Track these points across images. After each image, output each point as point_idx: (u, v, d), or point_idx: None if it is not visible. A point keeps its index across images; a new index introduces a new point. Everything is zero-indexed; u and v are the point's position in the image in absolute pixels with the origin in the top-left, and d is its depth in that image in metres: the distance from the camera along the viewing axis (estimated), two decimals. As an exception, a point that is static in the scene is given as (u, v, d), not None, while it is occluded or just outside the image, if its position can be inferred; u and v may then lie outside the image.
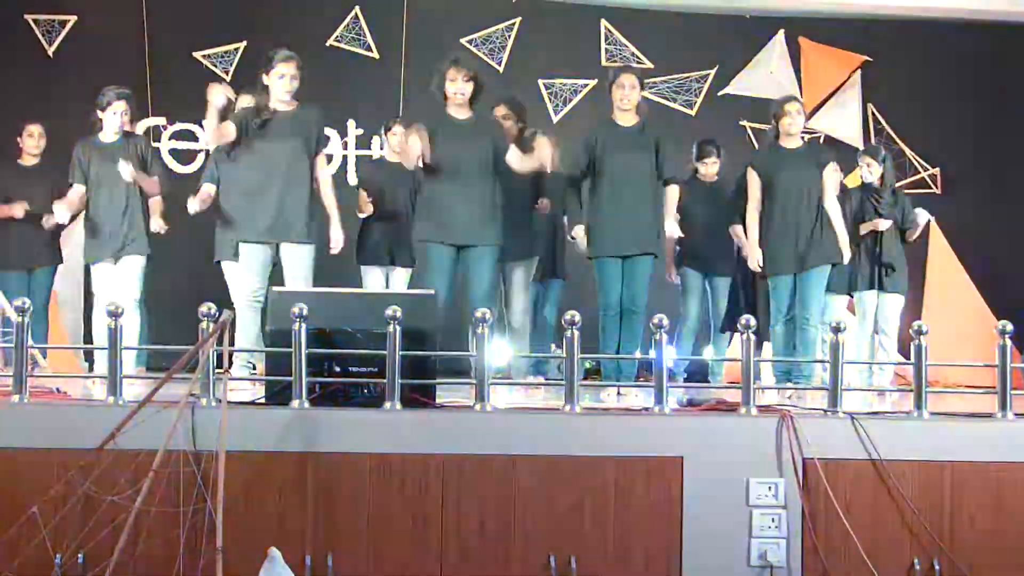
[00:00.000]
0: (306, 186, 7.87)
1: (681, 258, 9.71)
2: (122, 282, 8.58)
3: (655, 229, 8.34)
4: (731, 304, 9.53)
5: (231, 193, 8.14)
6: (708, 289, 9.76)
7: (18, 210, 9.12)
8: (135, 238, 8.62)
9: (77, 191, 8.68)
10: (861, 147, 11.80)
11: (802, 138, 8.71)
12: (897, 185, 10.03)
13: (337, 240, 8.06)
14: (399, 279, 9.33)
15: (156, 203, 8.75)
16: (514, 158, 7.89)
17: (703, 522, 5.76)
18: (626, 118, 8.38)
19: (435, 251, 7.76)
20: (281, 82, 7.82)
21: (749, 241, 8.45)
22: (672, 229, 8.64)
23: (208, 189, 8.75)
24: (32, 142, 9.44)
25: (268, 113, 7.83)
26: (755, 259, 8.39)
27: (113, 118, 8.61)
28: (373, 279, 9.25)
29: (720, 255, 9.52)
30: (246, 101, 8.17)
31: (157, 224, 8.69)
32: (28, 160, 9.47)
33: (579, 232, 8.28)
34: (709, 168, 9.77)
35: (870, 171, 9.73)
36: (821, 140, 10.05)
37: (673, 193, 8.43)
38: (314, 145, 7.96)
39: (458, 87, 7.78)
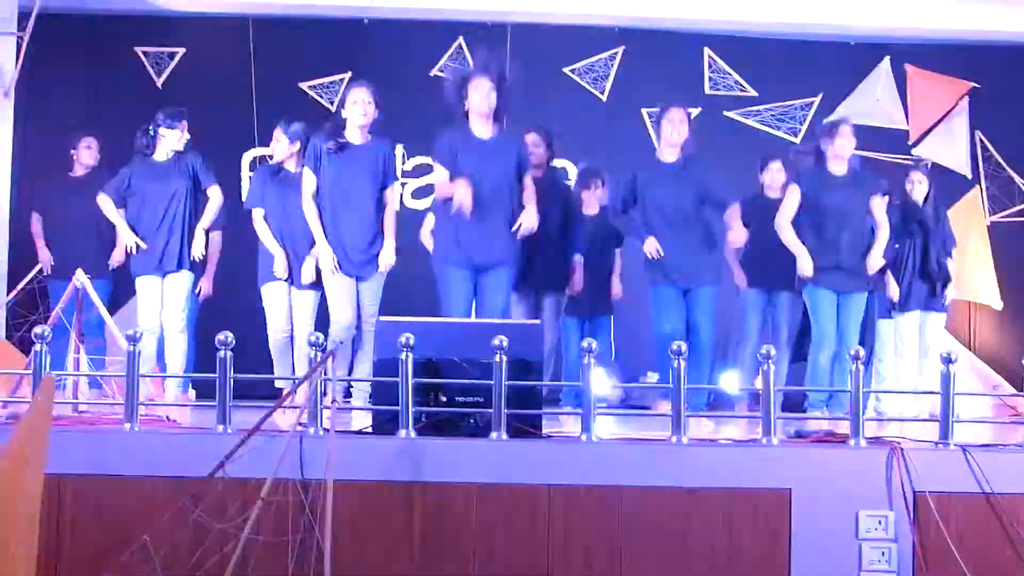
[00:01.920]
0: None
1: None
2: (167, 301, 8.65)
3: (710, 260, 8.37)
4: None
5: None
6: (769, 308, 9.66)
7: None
8: (179, 258, 8.66)
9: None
10: (969, 175, 11.71)
11: (848, 163, 8.57)
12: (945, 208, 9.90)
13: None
14: None
15: (209, 218, 8.79)
16: (528, 215, 7.80)
17: (811, 555, 5.69)
18: (669, 154, 8.35)
19: (455, 274, 7.78)
20: (355, 108, 7.83)
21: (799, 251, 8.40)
22: (739, 235, 8.51)
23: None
24: (88, 154, 9.91)
25: (340, 144, 7.86)
26: (806, 263, 8.33)
27: (165, 139, 8.74)
28: None
29: (784, 271, 9.45)
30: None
31: (197, 250, 8.72)
32: (79, 171, 9.84)
33: (651, 244, 8.21)
34: (775, 176, 9.66)
35: (920, 187, 9.59)
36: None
37: (733, 209, 8.40)
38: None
39: (484, 95, 7.79)
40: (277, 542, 5.38)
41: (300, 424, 5.68)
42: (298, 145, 8.49)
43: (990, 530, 5.68)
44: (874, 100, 12.02)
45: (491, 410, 5.82)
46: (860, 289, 8.45)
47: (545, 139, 8.96)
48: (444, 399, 6.03)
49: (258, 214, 8.55)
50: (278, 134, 8.64)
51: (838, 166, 8.48)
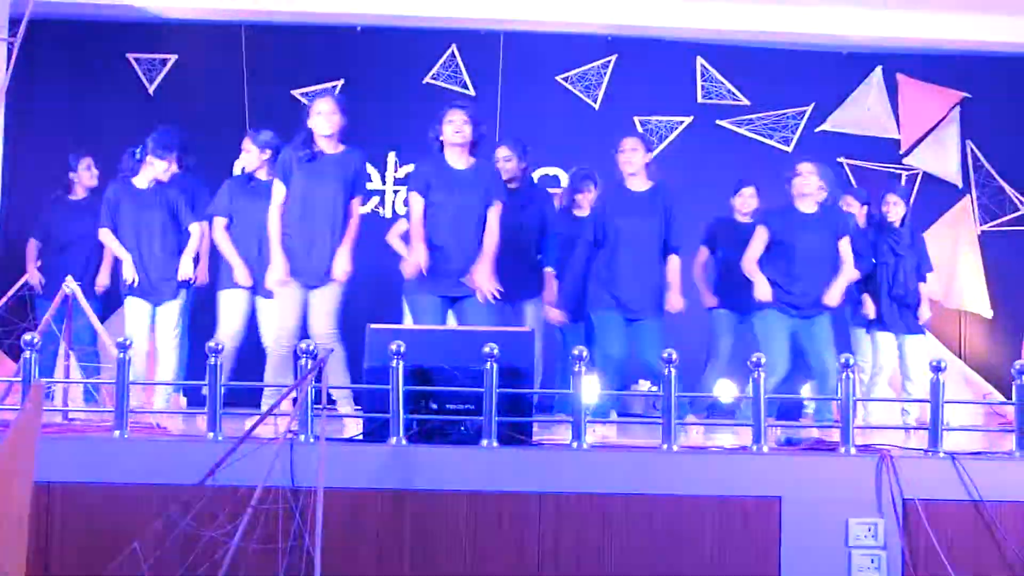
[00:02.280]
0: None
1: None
2: (160, 325, 8.81)
3: (661, 293, 8.46)
4: None
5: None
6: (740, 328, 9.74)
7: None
8: (168, 286, 8.81)
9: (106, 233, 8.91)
10: (960, 185, 11.74)
11: (817, 203, 8.65)
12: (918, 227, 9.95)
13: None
14: None
15: (191, 253, 8.89)
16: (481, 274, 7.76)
17: (801, 563, 5.70)
18: (636, 183, 8.44)
19: (426, 302, 7.79)
20: (319, 119, 7.80)
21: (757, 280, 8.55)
22: (676, 302, 8.56)
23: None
24: (88, 175, 9.85)
25: (312, 153, 7.84)
26: (764, 290, 8.47)
27: (151, 167, 8.80)
28: None
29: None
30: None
31: (184, 273, 8.83)
32: (79, 192, 9.79)
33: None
34: (746, 201, 9.78)
35: (896, 208, 9.61)
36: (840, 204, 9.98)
37: (674, 264, 8.49)
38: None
39: (457, 128, 7.77)
40: (267, 550, 5.37)
41: (290, 431, 5.68)
42: (268, 153, 8.57)
43: (979, 538, 5.69)
44: (866, 109, 12.03)
45: (482, 418, 5.82)
46: (818, 312, 8.55)
47: (516, 151, 8.95)
48: (435, 407, 6.03)
49: (219, 223, 8.66)
50: (247, 144, 8.73)
51: (805, 204, 8.56)
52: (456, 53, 11.93)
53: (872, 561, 5.70)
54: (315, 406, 5.78)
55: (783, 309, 8.49)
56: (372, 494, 5.66)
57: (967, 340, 11.75)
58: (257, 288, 8.50)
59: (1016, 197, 12.01)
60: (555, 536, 5.66)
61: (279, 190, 7.84)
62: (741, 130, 12.05)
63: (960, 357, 11.58)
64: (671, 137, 11.89)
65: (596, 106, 11.88)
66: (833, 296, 8.50)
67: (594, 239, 8.56)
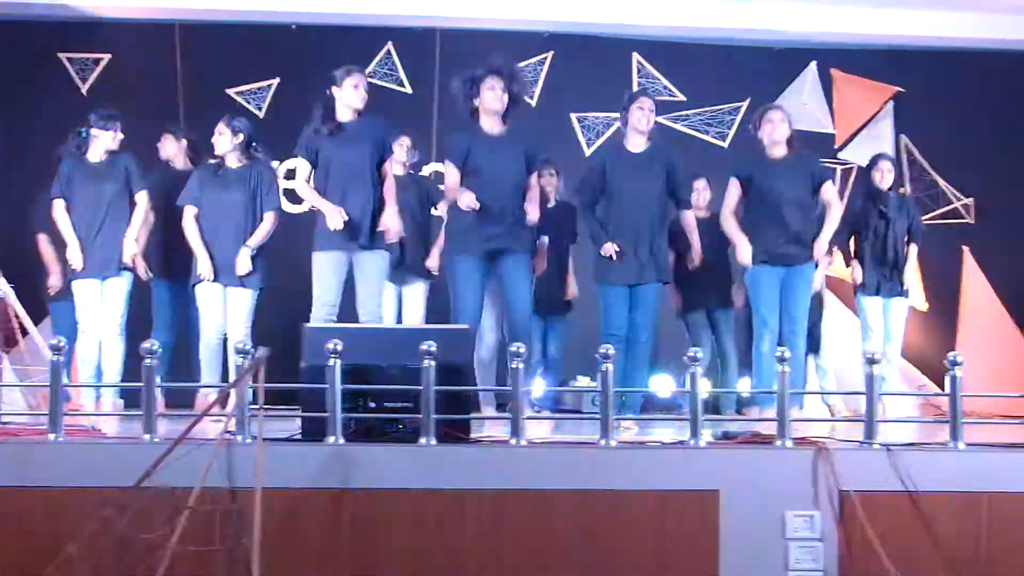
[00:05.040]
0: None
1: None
2: (106, 305, 8.66)
3: (664, 257, 8.38)
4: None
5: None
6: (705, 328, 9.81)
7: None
8: (117, 261, 8.70)
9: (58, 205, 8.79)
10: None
11: (788, 145, 8.61)
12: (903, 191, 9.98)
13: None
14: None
15: (136, 227, 8.81)
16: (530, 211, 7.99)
17: (740, 556, 5.72)
18: (638, 142, 8.38)
19: (465, 265, 7.90)
20: (356, 93, 8.01)
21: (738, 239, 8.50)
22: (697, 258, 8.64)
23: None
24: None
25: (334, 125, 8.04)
26: (745, 251, 8.41)
27: (98, 140, 8.74)
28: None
29: (717, 289, 9.60)
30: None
31: (128, 255, 8.75)
32: None
33: (610, 248, 8.22)
34: (701, 195, 9.83)
35: (888, 175, 9.68)
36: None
37: (690, 218, 8.47)
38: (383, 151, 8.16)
39: (498, 95, 7.91)
40: (205, 551, 5.34)
41: (228, 432, 5.65)
42: (241, 137, 8.54)
43: (913, 528, 5.73)
44: (801, 104, 12.11)
45: (420, 415, 5.81)
46: (805, 261, 8.48)
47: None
48: (373, 405, 6.02)
49: (189, 212, 8.58)
50: (221, 127, 8.69)
51: (776, 150, 8.54)
52: (392, 51, 11.93)
53: (809, 553, 5.73)
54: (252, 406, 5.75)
55: (771, 261, 8.43)
56: (311, 493, 5.64)
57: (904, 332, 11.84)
58: (223, 278, 8.55)
59: (949, 191, 12.12)
60: (494, 533, 5.66)
61: (303, 167, 8.10)
62: (678, 126, 12.10)
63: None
64: (608, 133, 11.91)
65: (533, 103, 11.89)
66: (821, 246, 8.48)
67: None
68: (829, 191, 8.58)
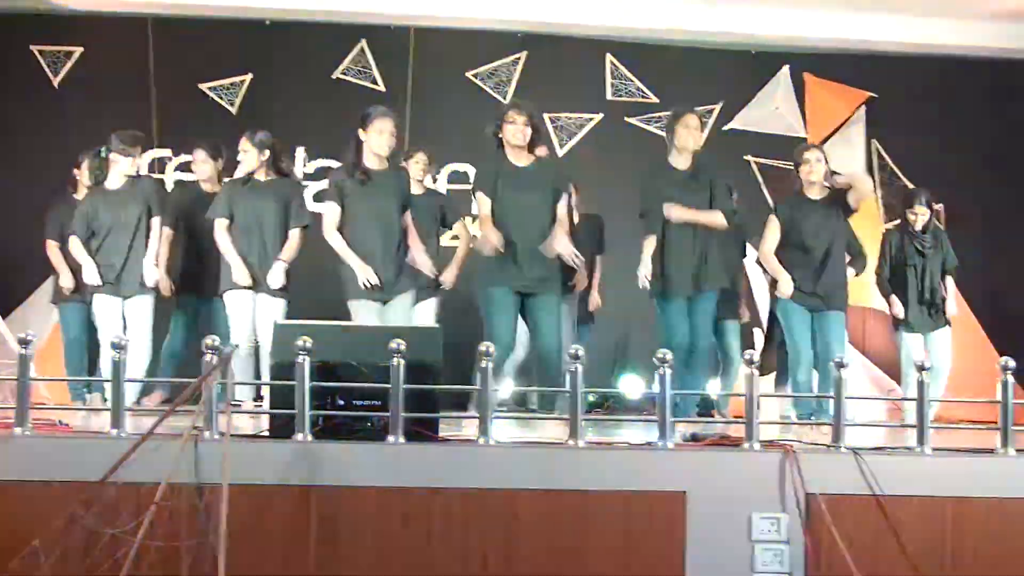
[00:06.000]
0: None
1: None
2: (132, 324, 8.71)
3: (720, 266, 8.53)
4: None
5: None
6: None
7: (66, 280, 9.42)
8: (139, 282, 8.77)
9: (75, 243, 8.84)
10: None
11: (826, 187, 8.74)
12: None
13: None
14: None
15: (157, 251, 8.87)
16: (561, 242, 8.01)
17: (706, 557, 5.72)
18: (684, 160, 8.46)
19: (500, 294, 7.95)
20: (381, 138, 8.00)
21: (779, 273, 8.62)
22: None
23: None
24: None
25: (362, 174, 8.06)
26: (786, 287, 8.57)
27: (118, 166, 8.72)
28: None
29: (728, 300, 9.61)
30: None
31: (149, 278, 8.80)
32: (84, 191, 9.49)
33: (643, 274, 8.34)
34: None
35: (922, 217, 9.68)
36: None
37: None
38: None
39: (519, 128, 7.94)
40: (171, 547, 5.32)
41: (196, 428, 5.63)
42: (267, 154, 8.57)
43: (879, 531, 5.75)
44: (773, 108, 12.18)
45: (388, 414, 5.81)
46: (837, 308, 8.71)
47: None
48: (342, 403, 6.00)
49: (220, 224, 8.64)
50: (245, 144, 8.71)
51: (813, 190, 8.62)
52: (366, 48, 11.92)
53: (775, 555, 5.74)
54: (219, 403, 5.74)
55: (799, 301, 8.61)
56: (278, 490, 5.61)
57: (870, 337, 11.88)
58: (260, 285, 8.64)
59: (920, 196, 12.16)
60: (462, 532, 5.66)
61: (333, 211, 8.06)
62: (650, 127, 12.11)
63: (863, 354, 11.72)
64: (581, 134, 11.93)
65: (506, 103, 11.89)
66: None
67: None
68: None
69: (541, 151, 8.31)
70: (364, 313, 8.00)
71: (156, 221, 8.85)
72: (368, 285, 7.95)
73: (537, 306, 8.00)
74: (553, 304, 8.07)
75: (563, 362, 7.62)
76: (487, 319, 8.03)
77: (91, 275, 8.73)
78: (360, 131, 8.04)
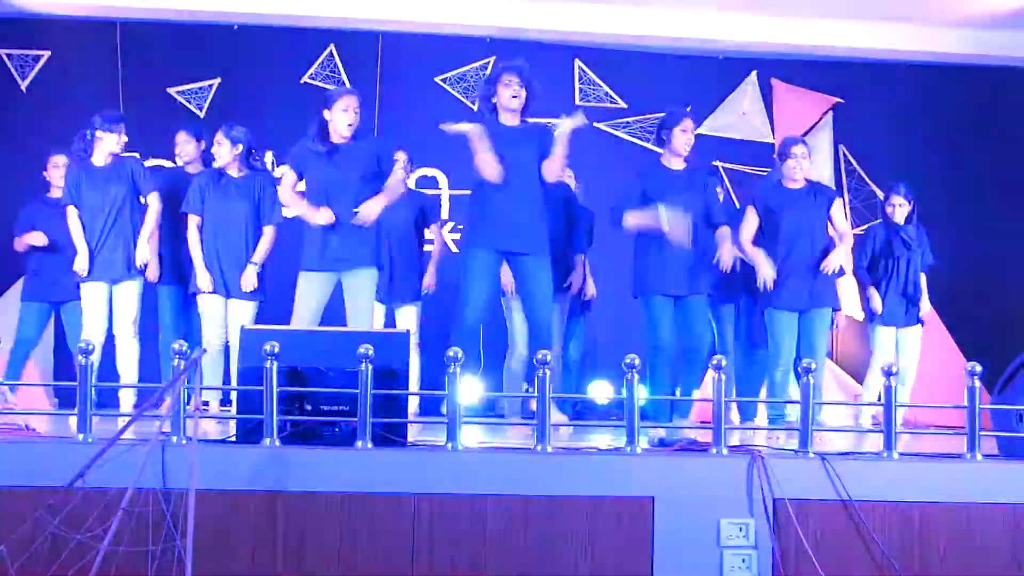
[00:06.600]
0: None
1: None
2: (118, 309, 8.58)
3: (706, 269, 8.44)
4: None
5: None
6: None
7: (38, 239, 9.23)
8: (126, 264, 8.62)
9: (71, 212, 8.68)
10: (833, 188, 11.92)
11: (805, 179, 8.75)
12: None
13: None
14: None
15: (149, 229, 8.73)
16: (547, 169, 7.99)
17: (674, 563, 5.74)
18: (678, 162, 8.44)
19: (481, 255, 7.86)
20: (344, 116, 7.95)
21: (758, 260, 8.56)
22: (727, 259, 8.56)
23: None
24: (58, 173, 9.39)
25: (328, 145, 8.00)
26: (767, 270, 8.48)
27: (103, 143, 8.63)
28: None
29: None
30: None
31: (140, 258, 8.66)
32: (56, 192, 9.38)
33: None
34: None
35: (901, 209, 9.73)
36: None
37: (724, 232, 8.47)
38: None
39: (514, 92, 7.91)
40: (138, 553, 5.31)
41: (162, 433, 5.61)
42: (240, 148, 8.55)
43: (846, 536, 5.78)
44: (740, 113, 12.20)
45: (356, 419, 5.80)
46: (821, 304, 8.59)
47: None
48: (309, 408, 5.99)
49: (192, 221, 8.57)
50: (220, 138, 8.67)
51: (793, 182, 8.62)
52: (334, 53, 11.89)
53: (743, 561, 5.76)
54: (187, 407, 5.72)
55: (786, 303, 8.53)
56: (245, 496, 5.61)
57: (838, 342, 11.92)
58: (229, 289, 8.63)
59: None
60: (429, 537, 5.65)
61: (290, 176, 8.10)
62: (619, 133, 12.13)
63: (831, 359, 11.75)
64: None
65: (475, 108, 11.86)
66: (833, 262, 8.49)
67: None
68: (836, 213, 8.72)
69: None
70: (316, 286, 7.93)
71: (153, 197, 8.69)
72: (328, 222, 7.85)
73: (526, 267, 7.90)
74: (544, 268, 7.92)
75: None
76: (463, 282, 7.91)
77: (82, 263, 8.54)
78: (325, 111, 8.02)
